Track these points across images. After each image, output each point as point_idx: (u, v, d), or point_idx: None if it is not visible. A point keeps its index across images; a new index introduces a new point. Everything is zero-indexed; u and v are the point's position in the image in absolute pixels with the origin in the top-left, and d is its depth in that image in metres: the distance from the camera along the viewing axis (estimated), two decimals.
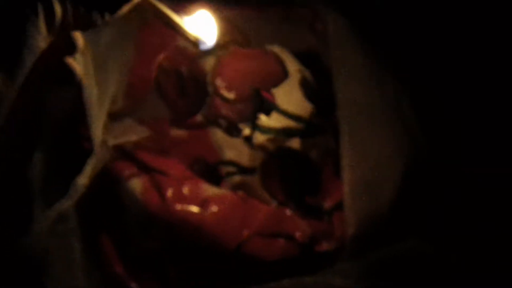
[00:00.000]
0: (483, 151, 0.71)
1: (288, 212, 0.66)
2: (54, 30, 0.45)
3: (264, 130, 0.69)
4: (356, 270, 0.62)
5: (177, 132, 0.71)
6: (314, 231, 0.66)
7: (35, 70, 0.44)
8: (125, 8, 0.52)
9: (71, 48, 0.50)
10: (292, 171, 0.69)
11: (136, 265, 0.65)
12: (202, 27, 0.64)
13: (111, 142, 0.66)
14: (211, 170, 0.69)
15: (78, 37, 0.51)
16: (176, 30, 0.58)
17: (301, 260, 0.65)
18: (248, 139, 0.69)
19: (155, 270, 0.65)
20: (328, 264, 0.63)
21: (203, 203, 0.65)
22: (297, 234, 0.65)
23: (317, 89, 0.70)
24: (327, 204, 0.68)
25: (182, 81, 0.72)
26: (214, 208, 0.65)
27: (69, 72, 0.58)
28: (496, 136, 0.70)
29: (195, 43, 0.61)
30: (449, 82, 0.70)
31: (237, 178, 0.69)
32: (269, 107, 0.69)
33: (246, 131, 0.69)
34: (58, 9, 0.45)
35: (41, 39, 0.44)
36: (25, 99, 0.54)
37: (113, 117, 0.67)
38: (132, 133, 0.68)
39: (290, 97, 0.69)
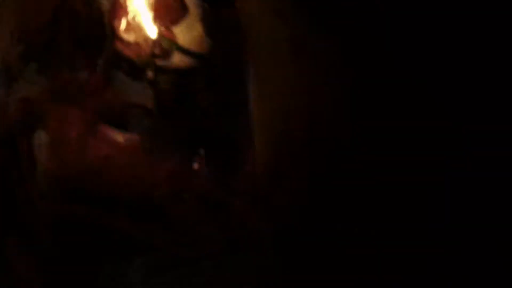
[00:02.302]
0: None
1: (196, 166, 0.64)
2: None
3: (168, 71, 0.65)
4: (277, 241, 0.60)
5: (79, 79, 0.66)
6: (226, 188, 0.63)
7: None
8: None
9: None
10: (202, 114, 0.66)
11: None
12: None
13: None
14: (117, 115, 0.66)
15: None
16: None
17: (213, 220, 0.63)
18: (152, 82, 0.65)
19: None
20: (244, 227, 0.62)
21: (110, 152, 0.64)
22: (206, 192, 0.63)
23: (221, 23, 0.66)
24: (241, 154, 0.65)
25: (79, 23, 0.67)
26: (119, 157, 0.63)
27: None
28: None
29: None
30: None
31: (145, 122, 0.66)
32: (170, 47, 0.65)
33: (149, 73, 0.65)
34: None
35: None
36: None
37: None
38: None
39: (190, 34, 0.65)
